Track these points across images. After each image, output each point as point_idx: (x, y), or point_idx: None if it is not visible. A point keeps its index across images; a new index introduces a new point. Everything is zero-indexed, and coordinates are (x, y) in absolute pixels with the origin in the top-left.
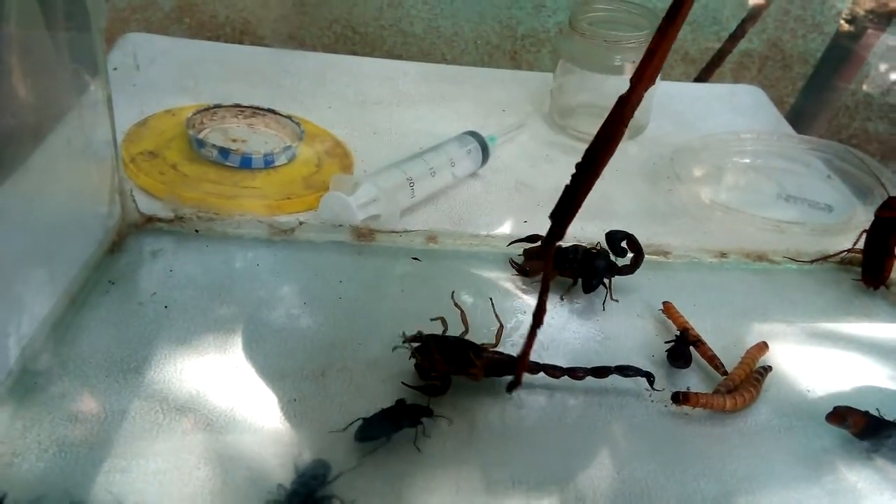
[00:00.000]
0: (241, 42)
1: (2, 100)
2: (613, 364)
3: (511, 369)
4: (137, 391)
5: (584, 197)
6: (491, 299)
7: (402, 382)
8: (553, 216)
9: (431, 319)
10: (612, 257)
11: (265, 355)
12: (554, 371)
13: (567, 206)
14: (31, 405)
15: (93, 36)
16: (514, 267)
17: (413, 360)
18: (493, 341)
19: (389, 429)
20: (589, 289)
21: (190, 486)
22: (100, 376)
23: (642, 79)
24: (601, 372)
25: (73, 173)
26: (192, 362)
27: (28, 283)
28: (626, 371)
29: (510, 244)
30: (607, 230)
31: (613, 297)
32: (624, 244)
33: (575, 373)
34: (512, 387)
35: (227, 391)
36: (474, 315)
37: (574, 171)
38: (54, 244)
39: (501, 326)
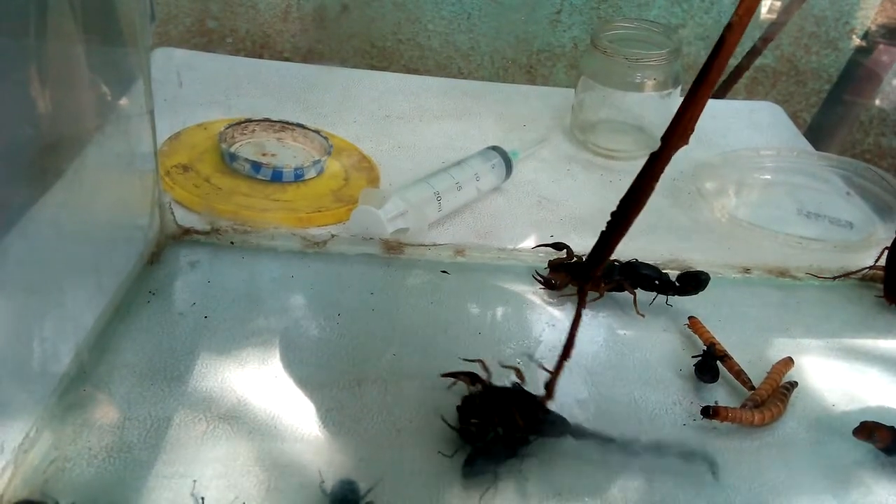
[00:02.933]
0: (260, 56)
1: (41, 111)
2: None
3: (557, 431)
4: (181, 399)
5: (618, 243)
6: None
7: (442, 417)
8: (589, 259)
9: (467, 360)
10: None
11: (303, 365)
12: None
13: (601, 252)
14: (80, 411)
15: (139, 53)
16: (538, 280)
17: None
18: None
19: (498, 461)
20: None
21: (236, 493)
22: (145, 384)
23: (673, 136)
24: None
25: (116, 185)
26: (232, 372)
27: (76, 292)
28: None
29: (535, 247)
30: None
31: (640, 312)
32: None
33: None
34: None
35: (267, 400)
36: (503, 327)
37: (609, 219)
38: (99, 254)
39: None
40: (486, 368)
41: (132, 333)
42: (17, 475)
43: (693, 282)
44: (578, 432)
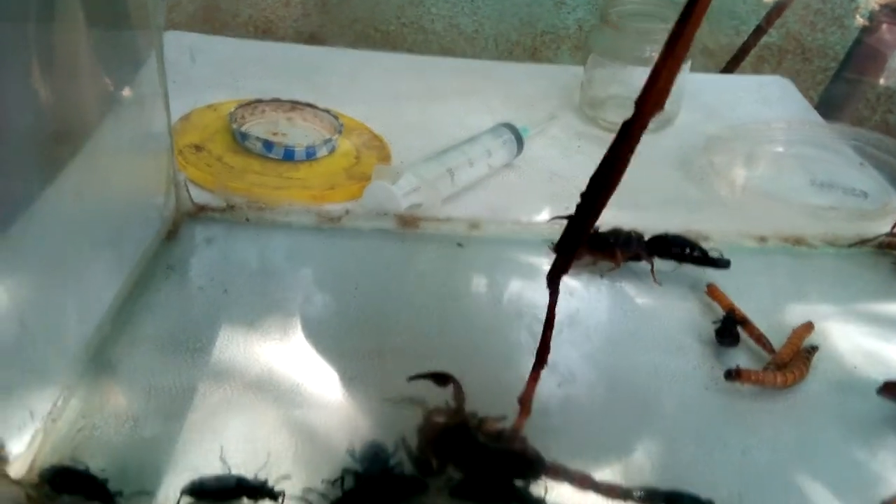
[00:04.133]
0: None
1: (53, 94)
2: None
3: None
4: (205, 369)
5: (595, 220)
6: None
7: (403, 439)
8: (563, 240)
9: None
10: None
11: (323, 336)
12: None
13: (576, 233)
14: (106, 382)
15: (150, 33)
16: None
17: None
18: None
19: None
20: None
21: (264, 457)
22: (168, 355)
23: (647, 103)
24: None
25: (131, 165)
26: (255, 342)
27: (97, 267)
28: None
29: (551, 219)
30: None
31: (657, 281)
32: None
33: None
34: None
35: (290, 369)
36: (520, 297)
37: (580, 199)
38: (117, 231)
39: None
40: (458, 387)
41: (152, 307)
42: (47, 442)
43: (712, 265)
44: (555, 471)
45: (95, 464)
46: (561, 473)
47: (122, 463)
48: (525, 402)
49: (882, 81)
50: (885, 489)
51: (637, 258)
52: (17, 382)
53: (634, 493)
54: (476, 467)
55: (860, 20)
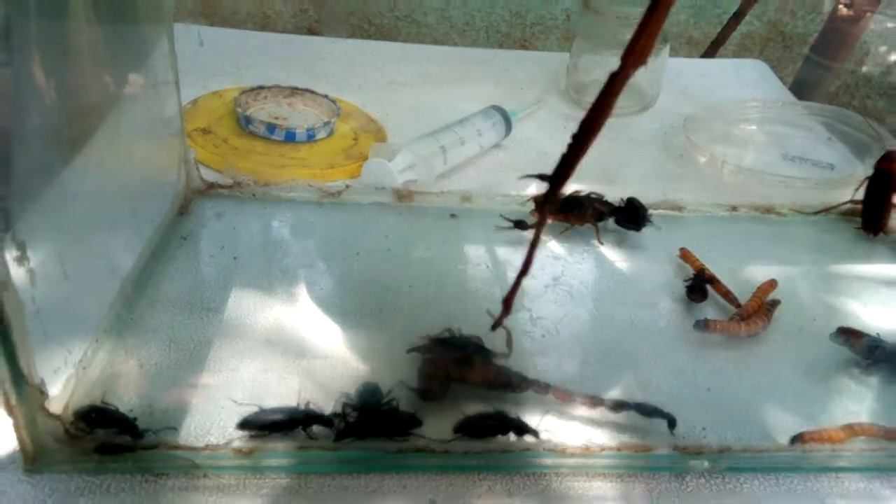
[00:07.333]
0: None
1: (72, 82)
2: (634, 305)
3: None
4: (219, 325)
5: (577, 162)
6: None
7: (401, 381)
8: (551, 180)
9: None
10: None
11: (328, 296)
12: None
13: (563, 171)
14: (129, 336)
15: (161, 23)
16: (508, 220)
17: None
18: (506, 350)
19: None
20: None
21: (273, 400)
22: (185, 314)
23: (631, 56)
24: (618, 407)
25: (147, 145)
26: (264, 302)
27: (118, 237)
28: (644, 409)
29: (522, 177)
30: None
31: (634, 229)
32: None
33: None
34: (495, 325)
35: (297, 325)
36: (509, 261)
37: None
38: (134, 205)
39: (510, 335)
40: (451, 333)
41: (169, 272)
42: (80, 387)
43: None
44: (537, 386)
45: (123, 406)
46: (542, 388)
47: (148, 405)
48: (507, 301)
49: (864, 69)
50: (832, 423)
51: (602, 217)
52: (54, 331)
53: (606, 403)
54: (471, 382)
55: (843, 10)
